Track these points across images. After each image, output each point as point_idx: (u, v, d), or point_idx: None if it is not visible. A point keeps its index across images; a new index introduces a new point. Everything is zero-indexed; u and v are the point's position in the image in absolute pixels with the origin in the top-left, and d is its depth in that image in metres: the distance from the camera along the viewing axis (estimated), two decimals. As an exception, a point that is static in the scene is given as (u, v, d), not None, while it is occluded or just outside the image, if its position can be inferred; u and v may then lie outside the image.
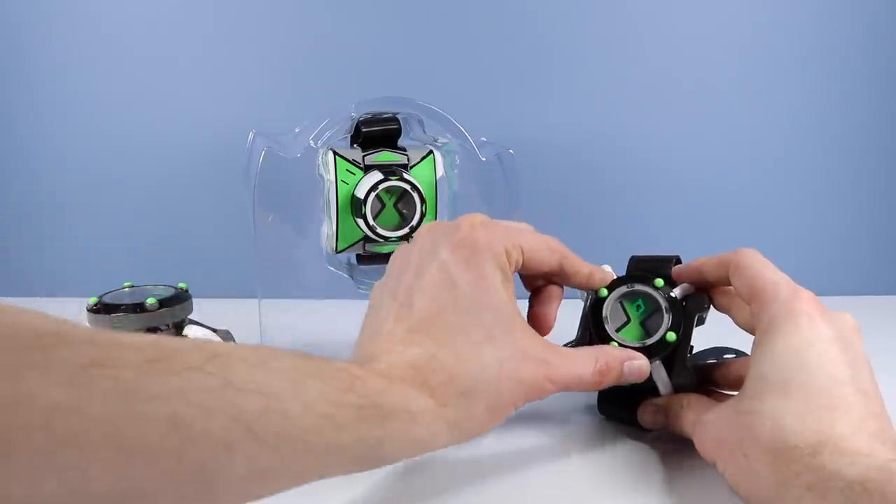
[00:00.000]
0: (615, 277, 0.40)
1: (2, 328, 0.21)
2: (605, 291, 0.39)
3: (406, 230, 0.47)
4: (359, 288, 0.51)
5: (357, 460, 0.27)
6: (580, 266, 0.38)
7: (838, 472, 0.26)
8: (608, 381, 0.35)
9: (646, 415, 0.39)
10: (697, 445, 0.34)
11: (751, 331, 0.35)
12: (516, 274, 0.37)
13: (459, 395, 0.30)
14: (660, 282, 0.38)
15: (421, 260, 0.33)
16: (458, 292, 0.32)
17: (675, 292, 0.38)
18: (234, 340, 0.48)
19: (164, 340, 0.24)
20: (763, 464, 0.29)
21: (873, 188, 0.72)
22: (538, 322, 0.39)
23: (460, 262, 0.32)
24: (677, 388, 0.38)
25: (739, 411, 0.31)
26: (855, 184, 0.72)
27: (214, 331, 0.47)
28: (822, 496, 0.26)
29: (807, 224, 0.73)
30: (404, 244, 0.37)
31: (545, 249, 0.36)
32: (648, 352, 0.37)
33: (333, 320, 0.51)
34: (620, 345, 0.38)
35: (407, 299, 0.32)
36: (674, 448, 0.38)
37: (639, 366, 0.36)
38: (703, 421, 0.34)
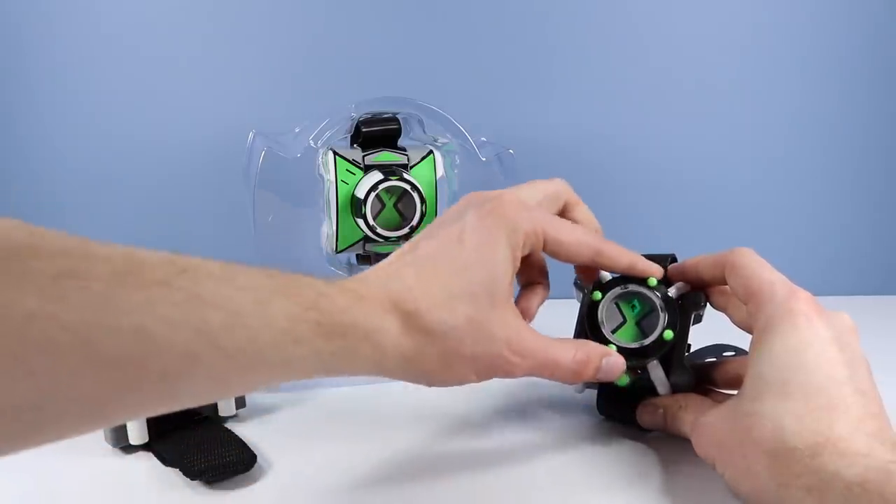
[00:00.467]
0: (609, 279, 0.40)
1: None
2: (598, 294, 0.39)
3: (406, 230, 0.47)
4: (359, 288, 0.51)
5: (314, 371, 0.28)
6: (617, 260, 0.38)
7: (838, 473, 0.26)
8: (588, 374, 0.35)
9: (644, 415, 0.39)
10: (696, 446, 0.34)
11: (748, 329, 0.35)
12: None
13: (421, 329, 0.30)
14: (653, 280, 0.38)
15: (448, 218, 0.35)
16: (461, 249, 0.32)
17: (671, 291, 0.38)
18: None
19: (137, 253, 0.25)
20: (762, 465, 0.29)
21: (872, 188, 0.72)
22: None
23: (478, 228, 0.33)
24: (675, 388, 0.38)
25: (738, 413, 0.31)
26: (854, 184, 0.72)
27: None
28: (821, 498, 0.26)
29: (805, 224, 0.73)
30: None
31: (574, 244, 0.36)
32: (645, 352, 0.37)
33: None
34: (618, 347, 0.38)
35: (417, 243, 0.34)
36: (673, 448, 0.38)
37: (616, 362, 0.36)
38: (702, 422, 0.34)
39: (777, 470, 0.28)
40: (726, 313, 0.38)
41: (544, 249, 0.36)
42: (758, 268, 0.34)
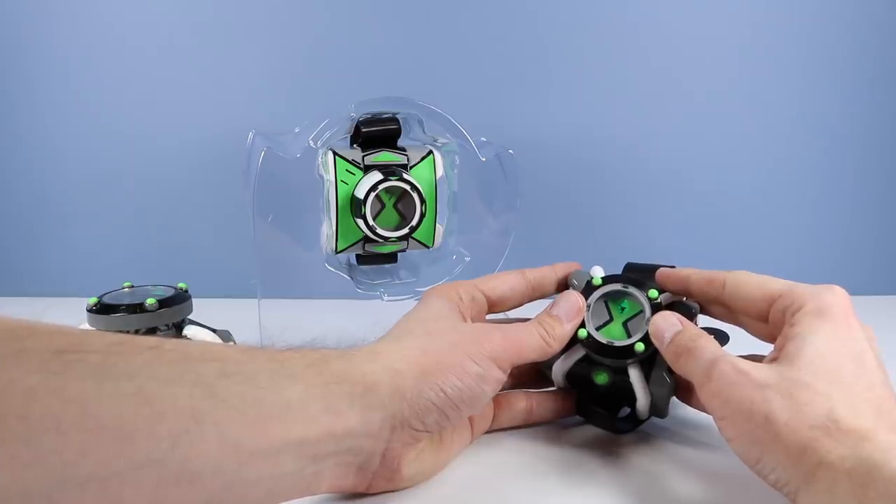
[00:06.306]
0: (611, 274, 0.40)
1: None
2: (599, 280, 0.40)
3: (406, 230, 0.47)
4: (358, 288, 0.51)
5: (315, 412, 0.28)
6: (544, 273, 0.42)
7: (888, 464, 0.25)
8: (560, 333, 0.37)
9: (662, 320, 0.35)
10: (723, 391, 0.30)
11: (760, 333, 0.36)
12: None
13: (391, 356, 0.32)
14: (654, 293, 0.38)
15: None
16: (414, 318, 0.37)
17: (661, 298, 0.38)
18: (234, 341, 0.48)
19: (125, 335, 0.26)
20: (808, 440, 0.27)
21: (874, 189, 0.72)
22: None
23: (420, 305, 0.39)
24: (654, 397, 0.37)
25: (790, 380, 0.29)
26: (855, 184, 0.72)
27: (214, 331, 0.47)
28: (862, 484, 0.25)
29: (807, 224, 0.73)
30: None
31: (506, 289, 0.41)
32: (626, 352, 0.37)
33: (333, 320, 0.51)
34: (599, 343, 0.38)
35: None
36: (648, 451, 0.38)
37: (573, 294, 0.39)
38: (742, 369, 0.30)
39: (820, 447, 0.27)
40: (731, 321, 0.38)
41: (493, 303, 0.41)
42: (767, 277, 0.35)
